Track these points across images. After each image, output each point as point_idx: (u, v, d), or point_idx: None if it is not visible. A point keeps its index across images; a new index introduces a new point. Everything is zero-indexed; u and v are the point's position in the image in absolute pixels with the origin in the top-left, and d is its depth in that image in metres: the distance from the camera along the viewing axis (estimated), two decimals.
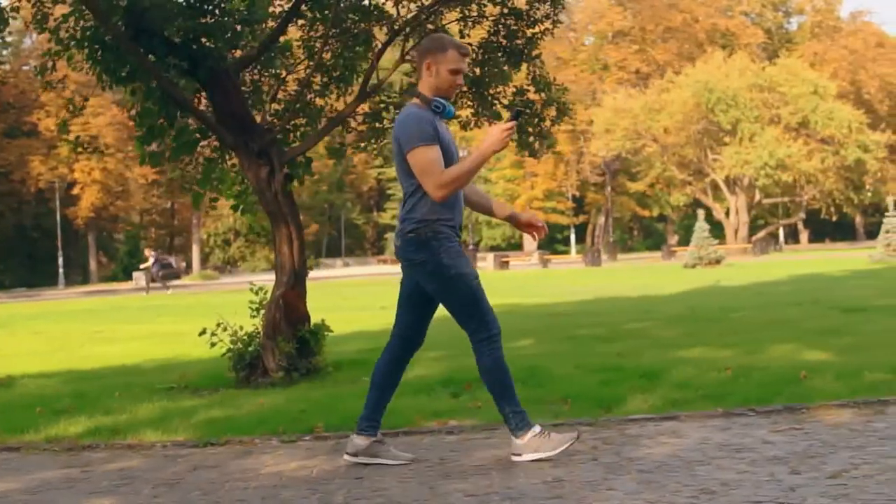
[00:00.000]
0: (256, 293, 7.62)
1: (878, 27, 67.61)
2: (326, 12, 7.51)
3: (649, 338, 8.86)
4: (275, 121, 7.57)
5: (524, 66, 7.47)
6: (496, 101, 7.64)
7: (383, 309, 16.09)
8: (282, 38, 8.03)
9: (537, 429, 4.04)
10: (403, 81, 7.92)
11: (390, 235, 69.83)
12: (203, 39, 7.03)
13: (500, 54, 7.37)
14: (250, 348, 7.48)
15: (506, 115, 7.13)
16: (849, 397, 5.09)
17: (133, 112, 7.19)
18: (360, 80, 7.70)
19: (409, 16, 7.37)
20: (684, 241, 48.34)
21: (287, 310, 7.34)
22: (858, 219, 67.82)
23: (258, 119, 7.68)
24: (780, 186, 49.43)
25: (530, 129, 7.61)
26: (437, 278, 4.06)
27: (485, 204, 4.46)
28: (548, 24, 7.45)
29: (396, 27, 7.30)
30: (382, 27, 7.50)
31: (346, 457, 4.20)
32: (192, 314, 16.44)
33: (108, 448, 4.98)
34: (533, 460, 3.97)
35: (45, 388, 7.60)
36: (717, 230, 54.43)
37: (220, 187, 7.53)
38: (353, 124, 7.79)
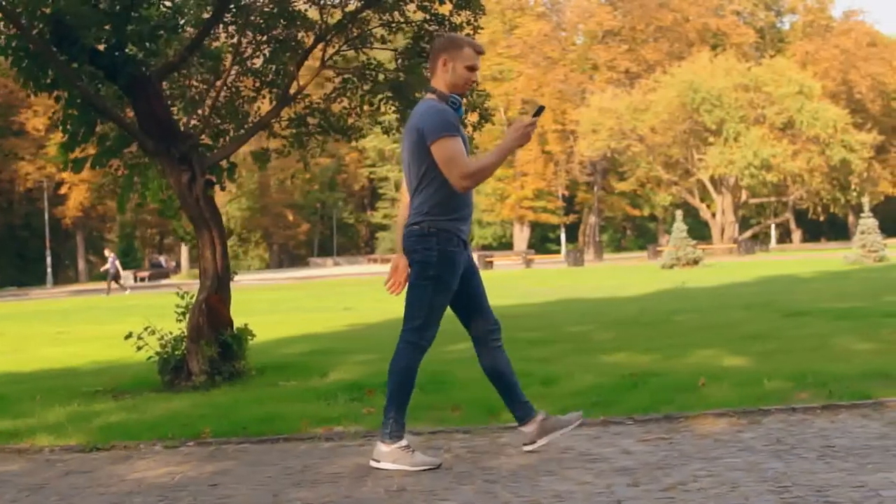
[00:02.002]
0: (182, 297, 7.68)
1: (871, 26, 67.57)
2: (252, 18, 7.55)
3: (581, 342, 8.91)
4: (201, 125, 7.61)
5: None
6: None
7: (346, 310, 16.18)
8: (216, 45, 8.09)
9: (404, 443, 4.08)
10: (327, 86, 7.97)
11: (382, 234, 69.90)
12: (125, 47, 7.07)
13: (422, 60, 7.42)
14: (177, 352, 7.54)
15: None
16: (737, 406, 5.13)
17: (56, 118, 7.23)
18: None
19: (334, 22, 7.40)
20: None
21: (210, 314, 7.39)
22: (851, 218, 67.88)
23: (189, 124, 7.73)
24: (766, 186, 49.47)
25: None
26: (418, 269, 4.11)
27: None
28: (469, 31, 7.50)
29: (319, 33, 7.34)
30: (309, 34, 7.54)
31: (525, 448, 4.25)
32: (163, 315, 16.48)
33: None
34: (391, 469, 4.01)
35: None
36: (705, 230, 54.62)
37: (145, 192, 7.57)
38: (277, 129, 7.83)
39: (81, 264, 56.92)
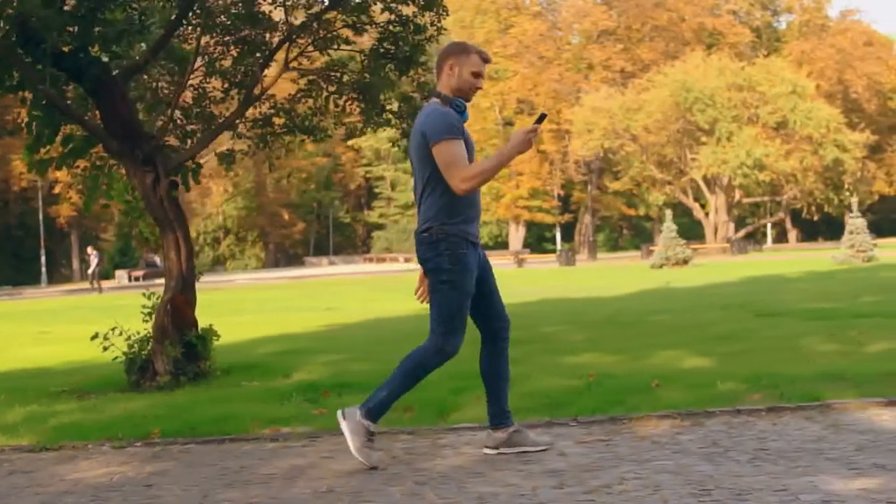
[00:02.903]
0: (149, 298, 7.71)
1: (868, 26, 67.63)
2: (219, 19, 7.57)
3: (552, 342, 8.92)
4: (169, 126, 7.63)
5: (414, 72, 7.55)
6: (385, 108, 7.72)
7: (329, 310, 16.21)
8: (186, 47, 8.10)
9: (373, 427, 4.09)
10: (294, 87, 7.98)
11: (377, 234, 69.89)
12: (90, 49, 7.10)
13: (387, 61, 7.44)
14: (143, 353, 7.57)
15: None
16: (684, 407, 5.15)
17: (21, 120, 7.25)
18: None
19: (299, 23, 7.42)
20: None
21: (175, 315, 7.42)
22: (847, 218, 67.94)
23: (156, 125, 7.75)
24: (760, 186, 49.49)
25: None
26: (434, 277, 4.14)
27: None
28: (433, 31, 7.52)
29: (284, 34, 7.36)
30: (275, 35, 7.56)
31: (485, 451, 4.27)
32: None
33: None
34: (345, 434, 4.06)
35: None
36: (700, 229, 54.65)
37: (111, 193, 7.59)
38: (242, 129, 7.85)
39: (76, 264, 56.91)
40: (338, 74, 7.57)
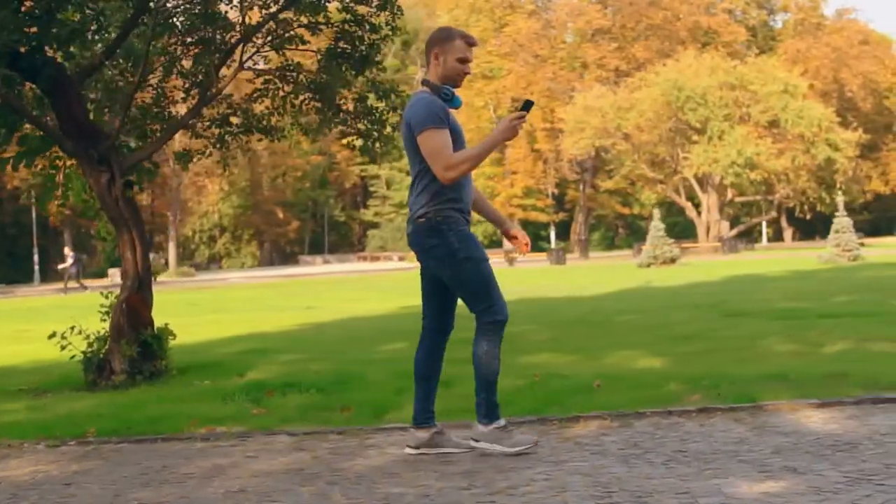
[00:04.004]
0: (106, 297, 7.73)
1: (864, 25, 67.68)
2: (179, 19, 7.59)
3: (515, 342, 8.87)
4: (126, 125, 7.64)
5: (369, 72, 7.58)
6: (341, 109, 7.74)
7: (307, 309, 16.22)
8: (140, 46, 8.11)
9: (502, 423, 4.21)
10: (251, 87, 8.01)
11: (372, 233, 69.84)
12: (46, 49, 7.11)
13: (343, 61, 7.46)
14: (101, 352, 7.59)
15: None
16: (620, 408, 5.16)
17: None
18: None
19: (255, 23, 7.44)
20: None
21: (130, 314, 7.44)
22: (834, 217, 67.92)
23: (114, 125, 7.76)
24: (752, 185, 49.49)
25: (375, 134, 7.72)
26: (448, 262, 4.15)
27: (480, 203, 4.55)
28: (387, 31, 7.55)
29: (241, 34, 7.38)
30: (232, 34, 7.57)
31: (407, 450, 4.30)
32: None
33: None
34: (491, 449, 4.13)
35: None
36: (693, 228, 54.64)
37: (68, 192, 7.61)
38: (199, 129, 7.87)
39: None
40: (294, 74, 7.59)
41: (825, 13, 69.64)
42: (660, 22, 59.53)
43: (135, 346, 7.32)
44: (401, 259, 52.46)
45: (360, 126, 7.68)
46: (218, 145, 7.77)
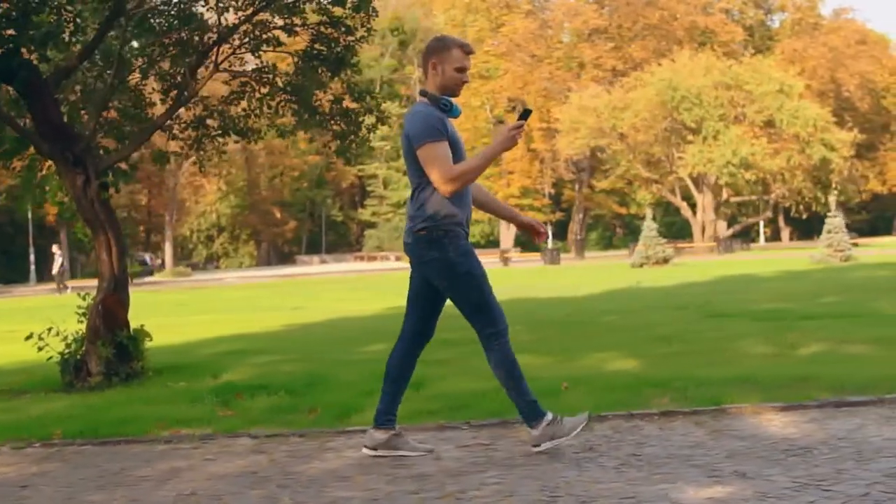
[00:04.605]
0: (84, 298, 7.75)
1: (861, 24, 67.69)
2: (157, 21, 7.61)
3: None
4: (103, 127, 7.66)
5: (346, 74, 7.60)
6: (317, 110, 7.76)
7: (295, 310, 16.24)
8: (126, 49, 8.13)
9: (549, 416, 4.22)
10: (225, 90, 8.03)
11: (369, 232, 69.86)
12: (22, 51, 7.12)
13: (319, 62, 7.48)
14: (79, 353, 7.61)
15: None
16: (584, 411, 5.16)
17: None
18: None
19: (232, 24, 7.46)
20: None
21: (106, 315, 7.46)
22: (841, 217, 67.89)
23: (91, 126, 7.77)
24: (748, 185, 49.50)
25: (352, 136, 7.75)
26: (447, 275, 4.17)
27: (490, 204, 4.60)
28: (363, 32, 7.57)
29: (217, 36, 7.39)
30: (208, 36, 7.59)
31: (364, 450, 4.31)
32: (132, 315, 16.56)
33: None
34: (553, 447, 4.17)
35: None
36: (689, 228, 54.65)
37: (45, 194, 7.63)
38: (176, 130, 7.89)
39: (66, 261, 56.85)
40: (270, 76, 7.62)
41: (822, 13, 69.71)
42: (656, 22, 59.50)
43: (110, 347, 7.34)
44: (397, 259, 52.48)
45: (335, 128, 7.70)
46: (195, 147, 7.79)
